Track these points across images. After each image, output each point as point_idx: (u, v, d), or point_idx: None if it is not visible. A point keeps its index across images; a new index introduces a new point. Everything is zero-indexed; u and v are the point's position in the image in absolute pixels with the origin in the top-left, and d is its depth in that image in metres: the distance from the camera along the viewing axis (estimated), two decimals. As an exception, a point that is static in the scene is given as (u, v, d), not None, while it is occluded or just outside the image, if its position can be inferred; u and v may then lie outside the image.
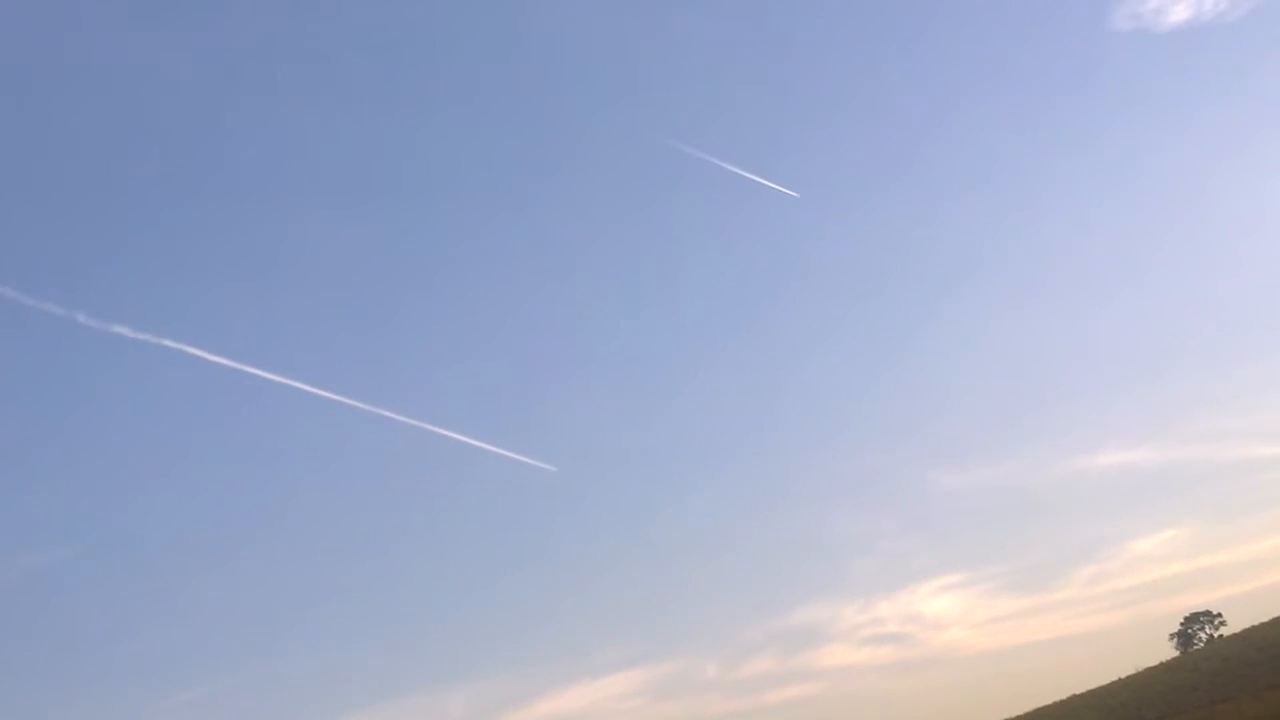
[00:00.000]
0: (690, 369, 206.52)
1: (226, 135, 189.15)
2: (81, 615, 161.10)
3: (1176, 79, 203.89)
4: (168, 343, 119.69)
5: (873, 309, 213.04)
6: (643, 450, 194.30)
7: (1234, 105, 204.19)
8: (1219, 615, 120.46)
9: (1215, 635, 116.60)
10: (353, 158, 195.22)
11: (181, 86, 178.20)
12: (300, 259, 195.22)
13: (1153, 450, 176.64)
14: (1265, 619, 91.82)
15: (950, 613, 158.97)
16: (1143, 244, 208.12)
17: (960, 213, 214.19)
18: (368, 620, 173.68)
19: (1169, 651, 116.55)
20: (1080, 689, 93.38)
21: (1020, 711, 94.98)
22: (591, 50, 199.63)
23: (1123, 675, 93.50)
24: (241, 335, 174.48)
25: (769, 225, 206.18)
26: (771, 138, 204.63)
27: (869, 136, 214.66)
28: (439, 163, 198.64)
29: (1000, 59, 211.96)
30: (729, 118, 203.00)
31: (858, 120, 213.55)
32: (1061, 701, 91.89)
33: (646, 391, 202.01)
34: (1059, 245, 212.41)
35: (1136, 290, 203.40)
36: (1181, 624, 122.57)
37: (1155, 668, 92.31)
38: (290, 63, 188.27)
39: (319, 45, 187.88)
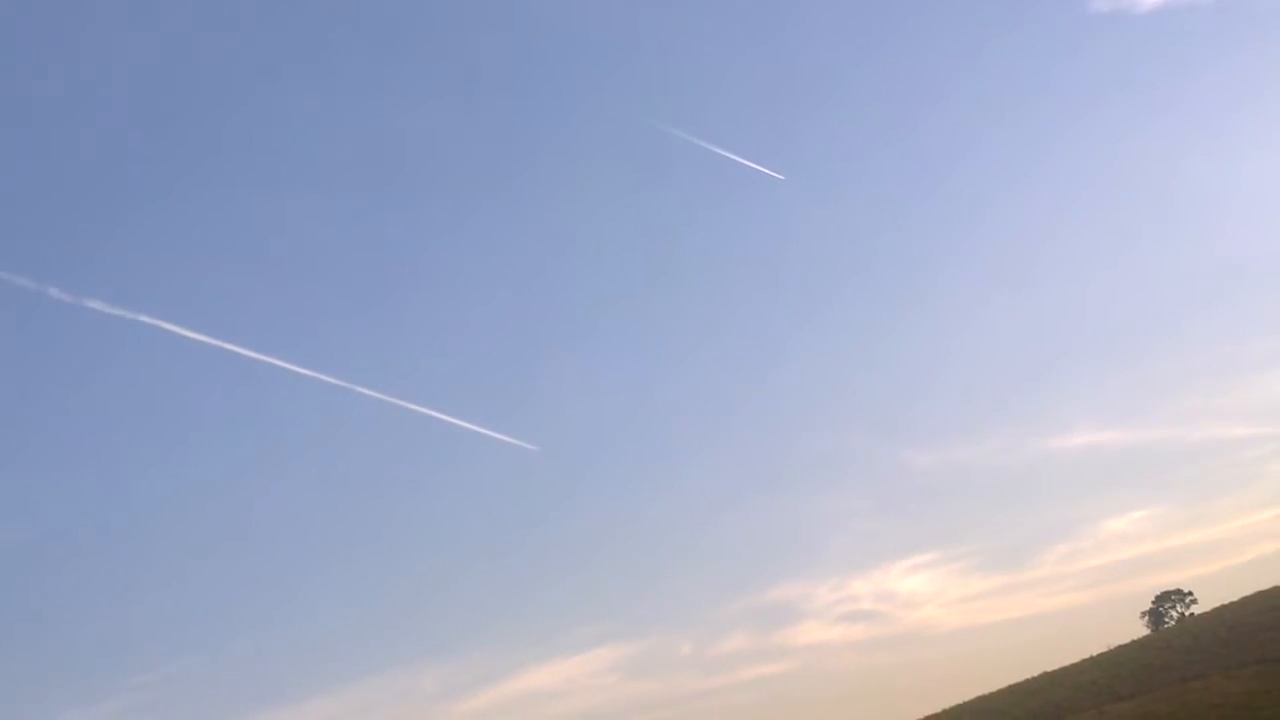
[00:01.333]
0: (670, 352, 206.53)
1: (212, 116, 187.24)
2: (52, 592, 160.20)
3: (1155, 60, 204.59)
4: (144, 318, 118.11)
5: (849, 293, 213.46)
6: (622, 431, 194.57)
7: (1211, 86, 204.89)
8: (1190, 594, 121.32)
9: (1186, 614, 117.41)
10: (339, 141, 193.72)
11: (168, 70, 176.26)
12: (286, 239, 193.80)
13: (1124, 431, 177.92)
14: (1235, 598, 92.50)
15: (923, 591, 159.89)
16: (1117, 227, 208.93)
17: (938, 198, 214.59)
18: (344, 598, 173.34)
19: (1140, 630, 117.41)
20: (1052, 666, 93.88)
21: (992, 689, 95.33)
22: (579, 35, 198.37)
23: (1094, 653, 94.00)
24: (222, 313, 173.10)
25: (753, 208, 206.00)
26: (758, 121, 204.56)
27: (851, 121, 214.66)
28: (425, 147, 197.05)
29: (981, 42, 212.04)
30: (715, 102, 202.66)
31: (841, 105, 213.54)
32: (1033, 679, 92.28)
33: (628, 373, 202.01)
34: (1035, 229, 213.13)
35: (1109, 273, 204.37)
36: (1153, 602, 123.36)
37: (1127, 645, 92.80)
38: (280, 47, 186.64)
39: (305, 28, 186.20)
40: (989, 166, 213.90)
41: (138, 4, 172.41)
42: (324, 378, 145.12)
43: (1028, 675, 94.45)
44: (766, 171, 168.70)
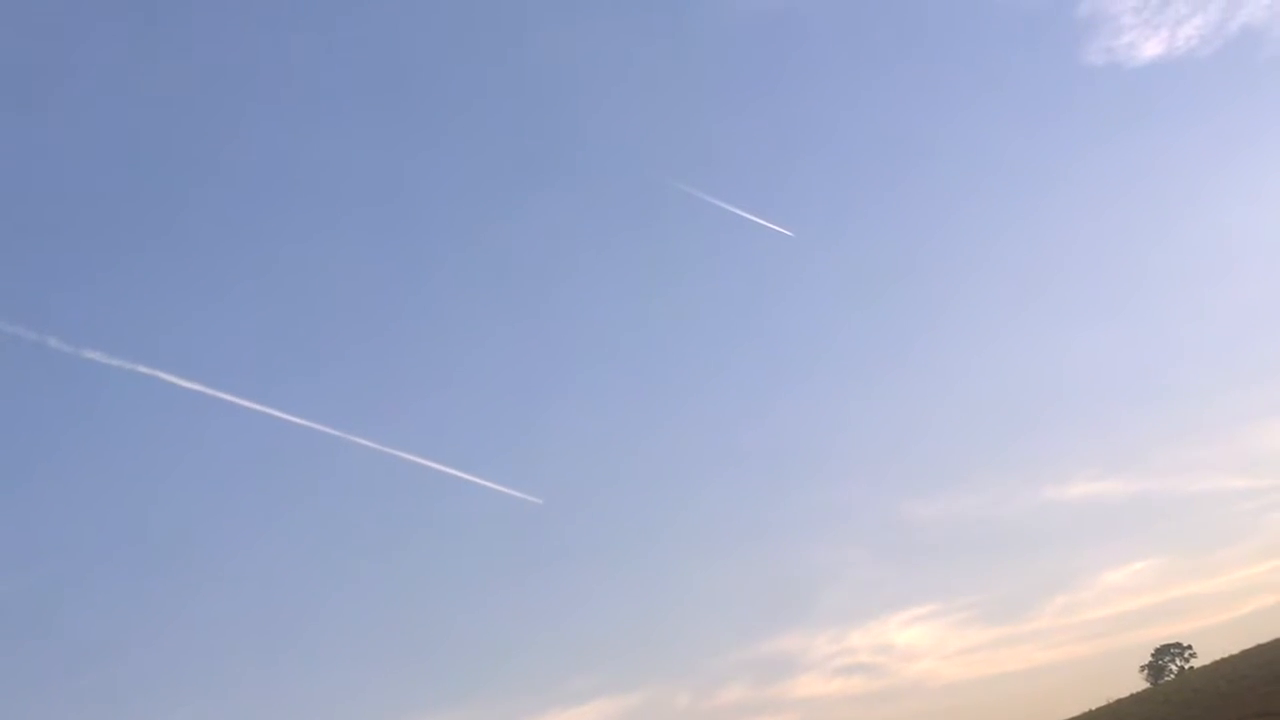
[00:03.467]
0: (669, 402, 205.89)
1: (207, 157, 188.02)
2: (44, 645, 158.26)
3: (1148, 114, 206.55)
4: (142, 369, 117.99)
5: (846, 342, 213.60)
6: (617, 480, 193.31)
7: (1204, 141, 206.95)
8: (1189, 647, 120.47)
9: (1185, 667, 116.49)
10: (335, 183, 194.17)
11: (161, 104, 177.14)
12: (281, 285, 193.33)
13: (1123, 481, 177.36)
14: (1235, 651, 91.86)
15: (922, 643, 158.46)
16: (1113, 278, 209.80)
17: (931, 250, 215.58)
18: (333, 653, 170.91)
19: (1140, 683, 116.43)
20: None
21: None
22: (588, 82, 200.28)
23: (1094, 706, 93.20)
24: (219, 362, 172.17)
25: (755, 261, 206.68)
26: (764, 177, 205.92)
27: (849, 175, 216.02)
28: (427, 188, 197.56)
29: (972, 94, 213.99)
30: (720, 157, 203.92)
31: (837, 160, 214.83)
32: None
33: (625, 421, 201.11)
34: (1030, 280, 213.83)
35: (1107, 323, 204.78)
36: (1152, 655, 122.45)
37: (1126, 699, 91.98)
38: (278, 82, 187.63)
39: (304, 62, 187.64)
40: (980, 217, 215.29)
41: (134, 48, 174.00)
42: (319, 427, 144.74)
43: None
44: (775, 228, 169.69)
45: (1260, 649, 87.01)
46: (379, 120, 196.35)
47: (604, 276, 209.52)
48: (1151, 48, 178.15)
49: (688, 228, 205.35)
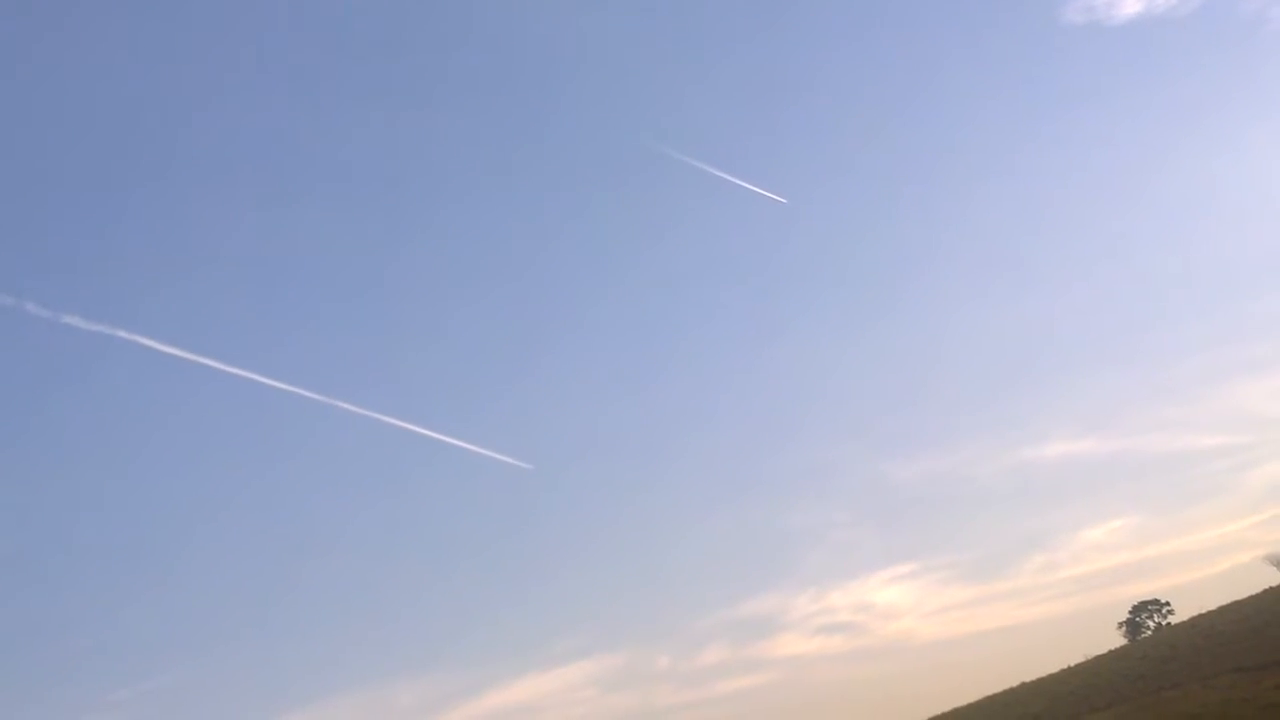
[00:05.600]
0: (654, 365, 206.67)
1: (191, 130, 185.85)
2: (28, 606, 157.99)
3: (1129, 70, 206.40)
4: (121, 333, 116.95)
5: (825, 307, 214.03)
6: (599, 444, 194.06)
7: (1185, 96, 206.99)
8: (1166, 604, 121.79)
9: (1163, 623, 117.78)
10: (321, 152, 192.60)
11: (148, 80, 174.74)
12: (266, 251, 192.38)
13: (1100, 441, 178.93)
14: (1212, 607, 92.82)
15: (901, 602, 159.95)
16: (1090, 238, 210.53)
17: (910, 211, 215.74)
18: (322, 614, 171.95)
19: (1117, 640, 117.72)
20: (1029, 677, 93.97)
21: (970, 699, 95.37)
22: (581, 52, 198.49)
23: (1072, 663, 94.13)
24: (201, 327, 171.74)
25: (739, 224, 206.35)
26: (749, 135, 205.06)
27: (828, 132, 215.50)
28: (414, 159, 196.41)
29: (954, 53, 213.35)
30: (710, 119, 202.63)
31: (819, 118, 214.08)
32: (1011, 689, 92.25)
33: (610, 385, 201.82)
34: (1008, 241, 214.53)
35: (1083, 283, 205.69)
36: (1130, 612, 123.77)
37: (1104, 656, 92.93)
38: (261, 59, 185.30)
39: (286, 42, 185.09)
40: (962, 180, 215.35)
41: (115, 12, 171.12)
42: (304, 392, 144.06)
43: (1006, 686, 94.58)
44: (768, 194, 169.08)
45: (1236, 605, 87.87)
46: (359, 91, 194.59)
47: (589, 243, 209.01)
48: (1131, 6, 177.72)
49: (675, 193, 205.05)
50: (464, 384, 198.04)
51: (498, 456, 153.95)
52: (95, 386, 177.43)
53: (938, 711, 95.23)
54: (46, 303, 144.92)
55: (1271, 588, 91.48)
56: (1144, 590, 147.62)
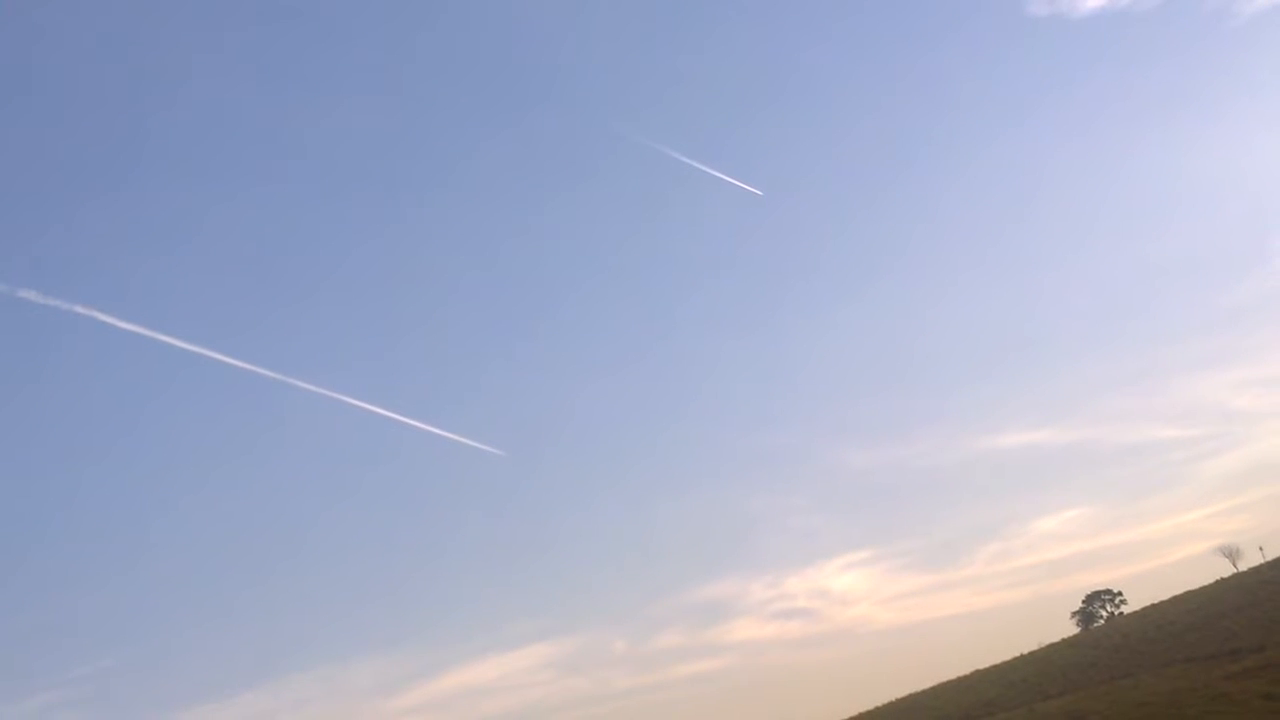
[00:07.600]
0: (621, 354, 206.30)
1: (165, 110, 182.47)
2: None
3: (1091, 63, 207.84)
4: (78, 309, 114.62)
5: (785, 295, 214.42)
6: (578, 436, 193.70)
7: (1146, 92, 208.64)
8: (1119, 594, 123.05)
9: (1115, 613, 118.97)
10: (300, 136, 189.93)
11: (112, 60, 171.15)
12: (237, 232, 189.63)
13: (1056, 431, 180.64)
14: (1164, 597, 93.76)
15: (857, 588, 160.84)
16: (1051, 231, 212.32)
17: (877, 206, 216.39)
18: (281, 596, 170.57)
19: (1070, 628, 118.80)
20: (983, 664, 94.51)
21: (924, 685, 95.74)
22: (563, 47, 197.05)
23: (1025, 651, 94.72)
24: (166, 305, 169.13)
25: (714, 216, 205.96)
26: (727, 131, 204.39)
27: (796, 125, 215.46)
28: (392, 148, 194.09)
29: (918, 41, 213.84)
30: (687, 113, 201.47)
31: (789, 113, 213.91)
32: (965, 676, 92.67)
33: (587, 381, 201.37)
34: (972, 234, 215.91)
35: (1042, 277, 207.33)
36: (1083, 602, 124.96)
37: (1057, 644, 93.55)
38: (238, 42, 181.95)
39: (275, 32, 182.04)
40: (929, 174, 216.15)
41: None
42: (262, 371, 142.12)
43: (959, 673, 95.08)
44: (744, 186, 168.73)
45: (1189, 595, 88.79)
46: (341, 80, 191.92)
47: (564, 232, 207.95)
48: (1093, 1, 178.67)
49: (651, 184, 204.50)
50: (437, 370, 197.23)
51: (469, 443, 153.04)
52: (51, 361, 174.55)
53: (892, 697, 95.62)
54: (3, 277, 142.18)
55: (1223, 579, 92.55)
56: (1097, 580, 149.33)
